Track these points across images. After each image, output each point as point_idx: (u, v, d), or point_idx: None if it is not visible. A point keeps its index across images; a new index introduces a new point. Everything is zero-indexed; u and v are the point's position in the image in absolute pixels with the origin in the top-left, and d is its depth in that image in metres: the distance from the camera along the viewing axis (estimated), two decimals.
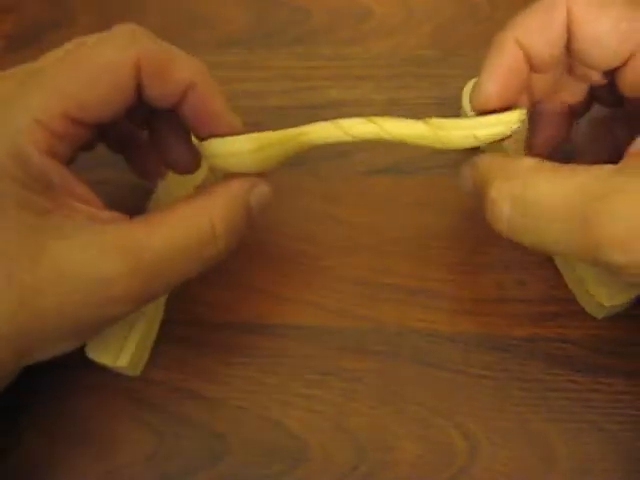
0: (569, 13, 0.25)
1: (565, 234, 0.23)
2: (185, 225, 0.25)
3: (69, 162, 0.25)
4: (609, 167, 0.23)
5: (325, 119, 0.27)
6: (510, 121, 0.26)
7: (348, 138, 0.26)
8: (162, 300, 0.31)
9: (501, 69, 0.26)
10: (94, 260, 0.23)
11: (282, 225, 0.34)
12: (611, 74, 0.26)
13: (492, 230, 0.26)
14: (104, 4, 0.42)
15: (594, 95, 0.29)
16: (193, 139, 0.28)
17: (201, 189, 0.27)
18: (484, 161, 0.26)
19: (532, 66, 0.26)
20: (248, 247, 0.33)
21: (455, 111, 0.35)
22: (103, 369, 0.29)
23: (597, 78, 0.27)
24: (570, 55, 0.26)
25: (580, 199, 0.23)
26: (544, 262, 0.32)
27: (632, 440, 0.28)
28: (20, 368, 0.25)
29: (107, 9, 0.42)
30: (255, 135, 0.26)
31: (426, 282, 0.32)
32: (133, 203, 0.31)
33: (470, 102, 0.27)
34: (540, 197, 0.24)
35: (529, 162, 0.25)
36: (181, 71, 0.25)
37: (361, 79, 0.38)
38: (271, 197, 0.27)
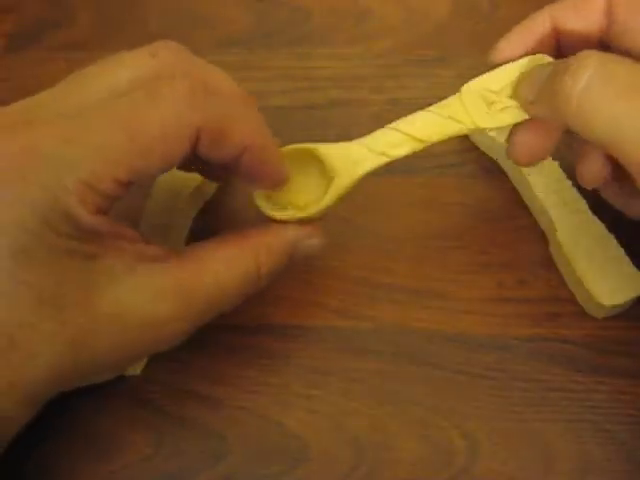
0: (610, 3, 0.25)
1: (633, 118, 0.22)
2: (234, 266, 0.25)
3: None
4: None
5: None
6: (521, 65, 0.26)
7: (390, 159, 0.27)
8: None
9: (525, 34, 0.26)
10: (148, 302, 0.23)
11: None
12: None
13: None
14: (104, 4, 0.42)
15: None
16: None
17: (250, 228, 0.27)
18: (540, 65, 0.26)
19: (561, 45, 0.26)
20: None
21: None
22: None
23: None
24: (608, 45, 0.26)
25: None
26: (544, 262, 0.32)
27: (632, 440, 0.28)
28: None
29: (107, 9, 0.42)
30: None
31: (426, 282, 0.32)
32: (132, 202, 0.31)
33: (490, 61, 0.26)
34: (625, 72, 0.23)
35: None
36: (239, 136, 0.24)
37: (361, 79, 0.38)
38: (319, 250, 0.28)
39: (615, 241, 0.30)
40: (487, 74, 0.27)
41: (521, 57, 0.26)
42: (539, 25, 0.26)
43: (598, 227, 0.31)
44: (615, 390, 0.29)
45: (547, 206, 0.31)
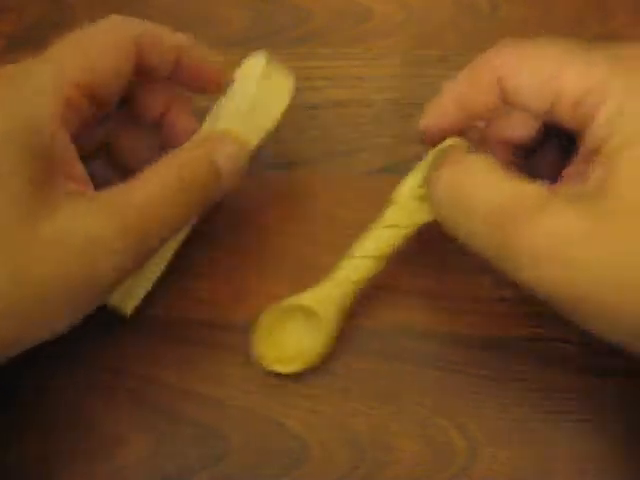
0: (497, 70, 0.26)
1: (485, 234, 0.24)
2: (157, 178, 0.26)
3: (74, 138, 0.26)
4: (545, 187, 0.24)
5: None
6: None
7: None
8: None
9: (440, 119, 0.28)
10: (83, 223, 0.24)
11: (282, 225, 0.34)
12: (549, 114, 0.27)
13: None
14: (104, 4, 0.42)
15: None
16: None
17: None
18: (442, 151, 0.28)
19: (470, 117, 0.28)
20: (248, 247, 0.33)
21: None
22: (102, 368, 0.29)
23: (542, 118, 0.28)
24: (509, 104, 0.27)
25: (508, 206, 0.23)
26: None
27: (632, 440, 0.28)
28: (18, 350, 0.25)
29: (107, 9, 0.42)
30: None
31: (426, 282, 0.32)
32: None
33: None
34: (473, 189, 0.24)
35: (478, 155, 0.26)
36: (171, 40, 0.28)
37: (361, 79, 0.38)
38: (242, 158, 0.29)
39: None
40: (409, 175, 0.29)
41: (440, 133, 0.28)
42: (444, 105, 0.28)
43: None
44: (615, 390, 0.29)
45: None
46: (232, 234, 0.33)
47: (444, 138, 0.28)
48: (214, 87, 0.31)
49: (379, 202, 0.33)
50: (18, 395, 0.29)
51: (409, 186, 0.29)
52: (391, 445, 0.28)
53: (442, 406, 0.29)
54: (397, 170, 0.35)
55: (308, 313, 0.30)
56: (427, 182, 0.27)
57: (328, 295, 0.29)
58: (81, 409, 0.29)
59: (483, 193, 0.24)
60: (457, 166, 0.26)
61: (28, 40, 0.41)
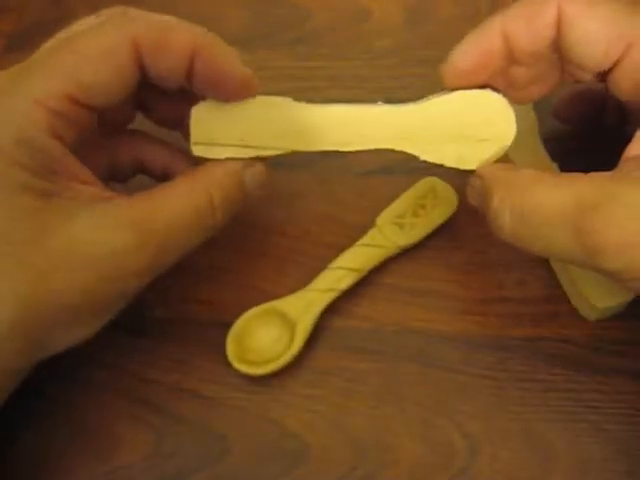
0: (560, 11, 0.25)
1: (562, 242, 0.23)
2: (187, 198, 0.26)
3: (74, 148, 0.25)
4: (604, 175, 0.23)
5: None
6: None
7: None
8: None
9: (476, 48, 0.26)
10: (105, 235, 0.24)
11: (282, 225, 0.34)
12: (602, 76, 0.26)
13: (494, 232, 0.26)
14: (104, 4, 0.42)
15: None
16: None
17: (198, 167, 0.28)
18: (488, 171, 0.27)
19: (513, 56, 0.26)
20: (248, 247, 0.33)
21: None
22: (102, 368, 0.29)
23: (589, 80, 0.27)
24: (561, 54, 0.26)
25: (575, 208, 0.23)
26: (544, 262, 0.32)
27: (632, 440, 0.28)
28: (35, 360, 0.25)
29: (107, 9, 0.42)
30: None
31: (426, 282, 0.32)
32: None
33: (442, 74, 0.27)
34: (537, 207, 0.24)
35: (529, 172, 0.25)
36: (180, 39, 0.25)
37: (361, 79, 0.38)
38: (266, 175, 0.28)
39: None
40: (393, 204, 0.32)
41: (473, 73, 0.27)
42: (490, 37, 0.26)
43: None
44: (615, 390, 0.29)
45: None
46: (232, 234, 0.33)
47: (468, 81, 0.27)
48: (240, 95, 0.27)
49: (377, 203, 0.33)
50: (17, 396, 0.29)
51: (391, 214, 0.32)
52: (391, 445, 0.28)
53: (442, 406, 0.29)
54: (395, 171, 0.35)
55: (283, 318, 0.30)
56: (488, 215, 0.26)
57: (306, 301, 0.30)
58: (80, 409, 0.29)
59: (552, 200, 0.24)
60: (511, 189, 0.25)
61: (28, 40, 0.41)
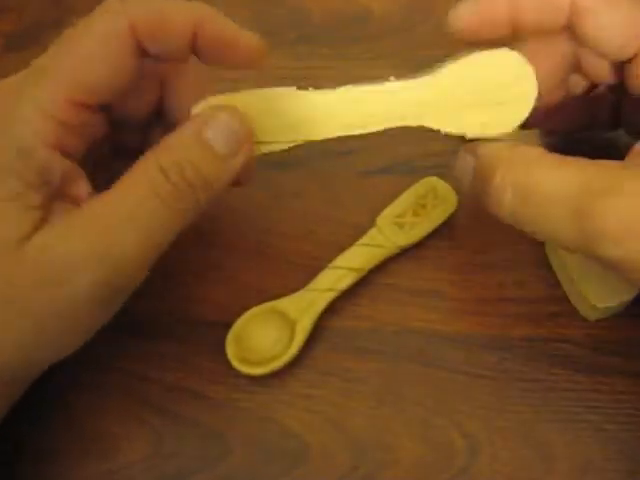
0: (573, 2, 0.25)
1: (563, 225, 0.23)
2: (135, 183, 0.24)
3: (81, 156, 0.25)
4: (615, 163, 0.23)
5: None
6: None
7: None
8: None
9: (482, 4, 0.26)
10: (63, 241, 0.23)
11: (282, 225, 0.34)
12: (619, 71, 0.26)
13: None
14: None
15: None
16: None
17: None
18: (489, 148, 0.26)
19: (516, 28, 0.26)
20: (248, 247, 0.33)
21: None
22: (102, 368, 0.29)
23: (605, 74, 0.27)
24: (577, 42, 0.26)
25: (580, 192, 0.23)
26: (544, 262, 0.32)
27: (632, 440, 0.28)
28: (31, 378, 0.25)
29: None
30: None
31: (426, 282, 0.32)
32: None
33: (449, 24, 0.27)
34: (542, 186, 0.23)
35: (535, 151, 0.25)
36: (178, 19, 0.25)
37: (361, 79, 0.38)
38: (240, 122, 0.25)
39: None
40: (393, 203, 0.33)
41: (477, 32, 0.26)
42: (497, 5, 0.26)
43: None
44: (615, 390, 0.29)
45: None
46: (232, 234, 0.33)
47: (478, 37, 0.26)
48: (251, 58, 0.26)
49: (377, 202, 0.33)
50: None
51: (390, 214, 0.32)
52: (391, 445, 0.28)
53: (442, 406, 0.29)
54: (395, 171, 0.35)
55: (283, 318, 0.30)
56: (487, 192, 0.25)
57: (306, 301, 0.30)
58: (80, 409, 0.29)
59: (556, 179, 0.23)
60: (515, 166, 0.24)
61: (28, 40, 0.41)
